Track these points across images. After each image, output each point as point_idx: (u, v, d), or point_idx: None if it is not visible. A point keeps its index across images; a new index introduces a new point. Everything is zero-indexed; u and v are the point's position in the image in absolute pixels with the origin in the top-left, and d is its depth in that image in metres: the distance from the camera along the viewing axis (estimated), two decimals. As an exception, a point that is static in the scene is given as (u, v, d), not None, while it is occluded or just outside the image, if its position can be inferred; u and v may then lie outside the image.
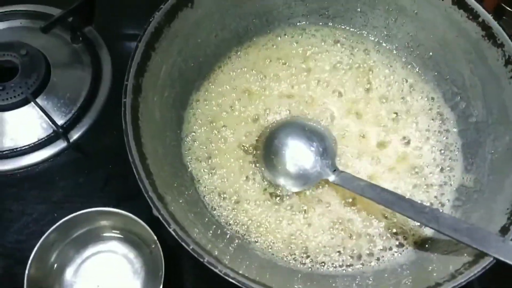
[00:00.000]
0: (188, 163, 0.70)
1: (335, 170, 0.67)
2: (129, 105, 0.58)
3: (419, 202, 0.62)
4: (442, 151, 0.73)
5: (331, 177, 0.67)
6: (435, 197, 0.70)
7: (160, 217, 0.53)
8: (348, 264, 0.65)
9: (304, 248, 0.65)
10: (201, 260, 0.51)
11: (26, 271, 0.64)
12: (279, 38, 0.81)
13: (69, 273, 0.69)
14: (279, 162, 0.69)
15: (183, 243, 0.51)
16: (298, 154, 0.69)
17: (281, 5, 0.79)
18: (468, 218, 0.65)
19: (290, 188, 0.69)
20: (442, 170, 0.72)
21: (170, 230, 0.52)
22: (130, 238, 0.71)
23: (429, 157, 0.72)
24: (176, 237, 0.52)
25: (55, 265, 0.69)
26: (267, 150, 0.70)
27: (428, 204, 0.69)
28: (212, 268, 0.51)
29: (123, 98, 0.58)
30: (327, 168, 0.67)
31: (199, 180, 0.69)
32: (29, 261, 0.65)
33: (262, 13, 0.79)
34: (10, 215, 0.75)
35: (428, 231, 0.67)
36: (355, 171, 0.70)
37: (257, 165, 0.70)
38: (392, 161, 0.72)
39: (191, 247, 0.51)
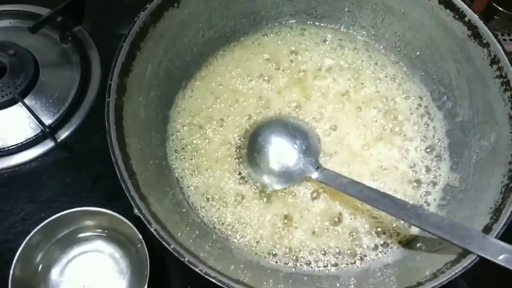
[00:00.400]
0: (173, 162, 0.70)
1: (318, 167, 0.67)
2: (113, 105, 0.58)
3: (401, 200, 0.62)
4: (429, 151, 0.73)
5: (314, 175, 0.67)
6: (421, 196, 0.70)
7: (141, 216, 0.53)
8: (333, 263, 0.65)
9: (287, 248, 0.65)
10: (182, 259, 0.51)
11: (11, 272, 0.64)
12: (265, 38, 0.82)
13: (54, 273, 0.69)
14: (262, 159, 0.69)
15: (164, 243, 0.52)
16: (281, 151, 0.70)
17: (269, 5, 0.80)
18: (453, 217, 0.65)
19: (273, 186, 0.69)
20: (428, 170, 0.72)
21: (151, 229, 0.52)
22: (116, 238, 0.71)
23: (415, 157, 0.72)
24: (157, 236, 0.52)
25: (40, 266, 0.69)
26: (251, 148, 0.70)
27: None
28: (193, 267, 0.51)
29: (106, 97, 0.59)
30: (310, 166, 0.68)
31: (184, 180, 0.69)
32: (14, 262, 0.64)
33: (249, 12, 0.79)
34: (-3, 215, 0.75)
35: (413, 230, 0.67)
36: (340, 171, 0.70)
37: (242, 164, 0.70)
38: (378, 161, 0.72)
39: (172, 247, 0.51)
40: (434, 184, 0.71)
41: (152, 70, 0.67)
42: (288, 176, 0.69)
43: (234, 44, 0.80)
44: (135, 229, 0.66)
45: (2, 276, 0.66)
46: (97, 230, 0.71)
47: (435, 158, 0.73)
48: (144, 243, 0.66)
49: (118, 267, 0.70)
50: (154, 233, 0.52)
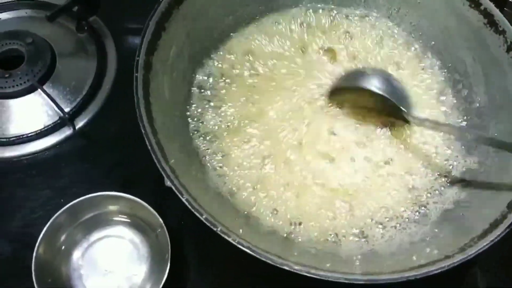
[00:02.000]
0: (196, 142, 0.70)
1: None
2: (141, 80, 0.59)
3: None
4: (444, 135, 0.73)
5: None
6: (439, 175, 0.70)
7: (173, 187, 0.53)
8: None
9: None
10: (214, 229, 0.51)
11: (34, 252, 0.64)
12: (281, 20, 0.82)
13: (76, 256, 0.69)
14: None
15: (196, 213, 0.51)
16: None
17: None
18: (476, 197, 0.65)
19: None
20: (445, 153, 0.72)
21: (183, 199, 0.52)
22: (136, 223, 0.71)
23: (432, 141, 0.73)
24: (190, 206, 0.52)
25: (63, 248, 0.68)
26: None
27: (432, 187, 0.70)
28: (226, 237, 0.51)
29: (134, 72, 0.59)
30: None
31: (207, 160, 0.69)
32: (37, 242, 0.64)
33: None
34: (16, 201, 0.75)
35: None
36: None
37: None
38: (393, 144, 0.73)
39: (204, 217, 0.51)
40: (451, 166, 0.71)
41: (175, 51, 0.68)
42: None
43: (252, 28, 0.81)
44: (156, 213, 0.66)
45: (24, 258, 0.66)
46: (118, 215, 0.71)
47: (452, 144, 0.73)
48: (165, 228, 0.65)
49: (138, 252, 0.70)
50: (186, 203, 0.52)
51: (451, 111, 0.76)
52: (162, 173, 0.53)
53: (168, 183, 0.53)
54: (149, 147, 0.55)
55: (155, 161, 0.54)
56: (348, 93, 0.73)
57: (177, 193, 0.52)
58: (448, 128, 0.71)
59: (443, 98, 0.77)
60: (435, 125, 0.69)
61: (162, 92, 0.64)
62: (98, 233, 0.71)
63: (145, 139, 0.55)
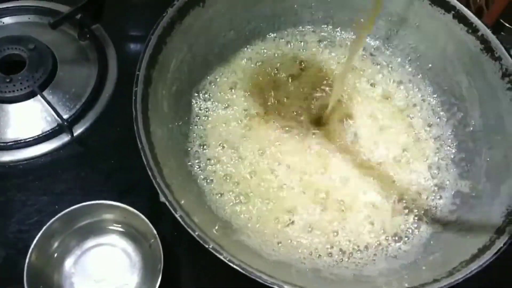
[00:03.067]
0: (192, 157, 0.71)
1: None
2: (140, 95, 0.59)
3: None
4: (438, 158, 0.74)
5: None
6: (431, 199, 0.71)
7: (167, 202, 0.53)
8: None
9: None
10: (206, 246, 0.52)
11: (27, 260, 0.64)
12: (282, 41, 0.84)
13: (68, 263, 0.70)
14: None
15: (188, 229, 0.52)
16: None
17: (288, 12, 0.82)
18: (465, 221, 0.66)
19: None
20: (436, 175, 0.73)
21: (177, 216, 0.53)
22: (130, 232, 0.71)
23: (424, 163, 0.74)
24: (182, 223, 0.52)
25: (55, 255, 0.69)
26: None
27: (425, 207, 0.71)
28: (217, 254, 0.52)
29: (134, 87, 0.60)
30: None
31: (203, 174, 0.70)
32: (30, 249, 0.65)
33: (270, 17, 0.81)
34: (12, 206, 0.75)
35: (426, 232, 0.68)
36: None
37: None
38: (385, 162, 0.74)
39: (196, 233, 0.52)
40: (442, 189, 0.72)
41: (175, 65, 0.69)
42: None
43: (252, 46, 0.82)
44: (150, 224, 0.67)
45: (17, 264, 0.67)
46: (112, 224, 0.71)
47: (445, 165, 0.74)
48: (158, 238, 0.66)
49: (130, 262, 0.70)
50: (179, 219, 0.52)
51: (443, 133, 0.76)
52: (157, 188, 0.54)
53: (162, 199, 0.53)
54: (145, 163, 0.55)
55: (151, 176, 0.54)
56: None
57: (171, 209, 0.53)
58: None
59: (437, 119, 0.77)
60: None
61: (161, 105, 0.65)
62: (91, 241, 0.71)
63: (142, 154, 0.55)
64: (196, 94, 0.76)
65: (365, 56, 0.83)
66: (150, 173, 0.55)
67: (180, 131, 0.70)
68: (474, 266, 0.56)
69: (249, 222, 0.67)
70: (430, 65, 0.80)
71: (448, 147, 0.75)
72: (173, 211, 0.53)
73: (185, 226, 0.52)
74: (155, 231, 0.66)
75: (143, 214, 0.67)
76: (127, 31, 0.95)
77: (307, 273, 0.63)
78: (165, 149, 0.61)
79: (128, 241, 0.71)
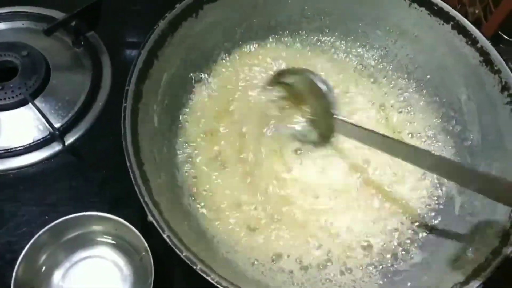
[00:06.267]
0: (184, 172, 0.70)
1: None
2: (129, 110, 0.58)
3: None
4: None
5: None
6: (427, 215, 0.70)
7: (154, 222, 0.53)
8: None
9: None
10: (194, 267, 0.51)
11: (14, 272, 0.63)
12: (280, 48, 0.82)
13: (57, 276, 0.68)
14: None
15: (176, 250, 0.51)
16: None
17: (285, 21, 0.81)
18: (461, 240, 0.65)
19: None
20: (434, 193, 0.72)
21: (164, 236, 0.52)
22: (121, 245, 0.70)
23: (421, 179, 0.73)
24: (170, 243, 0.52)
25: (44, 268, 0.68)
26: None
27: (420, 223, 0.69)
28: (205, 276, 0.51)
29: (123, 102, 0.59)
30: None
31: (194, 190, 0.69)
32: (18, 262, 0.64)
33: (266, 27, 0.80)
34: (2, 216, 0.74)
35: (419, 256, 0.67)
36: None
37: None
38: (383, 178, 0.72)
39: (184, 254, 0.51)
40: (440, 204, 0.70)
41: (167, 79, 0.68)
42: None
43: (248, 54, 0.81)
44: (141, 236, 0.66)
45: (4, 277, 0.66)
46: (102, 236, 0.70)
47: (442, 182, 0.72)
48: (149, 251, 0.65)
49: (121, 275, 0.69)
50: (167, 239, 0.52)
51: (443, 147, 0.75)
52: (145, 208, 0.53)
53: (150, 218, 0.52)
54: (133, 181, 0.54)
55: (138, 195, 0.53)
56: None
57: (159, 229, 0.52)
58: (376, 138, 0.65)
59: (435, 132, 0.76)
60: (361, 131, 0.67)
61: (151, 120, 0.64)
62: (81, 253, 0.70)
63: (130, 172, 0.54)
64: (190, 106, 0.75)
65: (361, 66, 0.81)
66: (137, 191, 0.54)
67: (170, 147, 0.69)
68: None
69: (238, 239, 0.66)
70: (428, 77, 0.79)
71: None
72: (161, 231, 0.52)
73: (173, 247, 0.51)
74: (146, 244, 0.65)
75: (134, 226, 0.66)
76: (122, 39, 0.94)
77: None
78: (154, 165, 0.60)
79: (118, 254, 0.70)
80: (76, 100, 0.84)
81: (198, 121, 0.74)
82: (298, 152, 0.73)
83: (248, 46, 0.81)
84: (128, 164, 0.55)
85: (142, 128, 0.60)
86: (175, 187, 0.66)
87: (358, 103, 0.78)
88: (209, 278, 0.51)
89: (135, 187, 0.54)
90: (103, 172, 0.79)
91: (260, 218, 0.67)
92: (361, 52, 0.83)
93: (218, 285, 0.51)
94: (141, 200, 0.53)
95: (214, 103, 0.76)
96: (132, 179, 0.54)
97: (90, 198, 0.77)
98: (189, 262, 0.51)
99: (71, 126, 0.81)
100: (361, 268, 0.65)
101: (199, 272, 0.51)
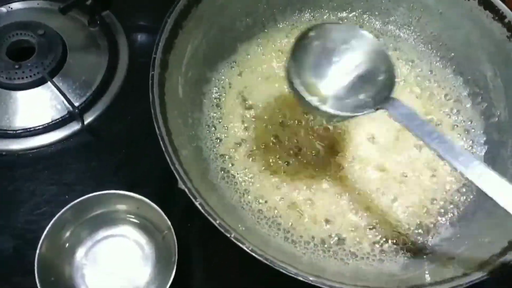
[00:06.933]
0: (206, 145, 0.69)
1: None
2: (157, 79, 0.57)
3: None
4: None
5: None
6: (457, 191, 0.69)
7: (186, 190, 0.51)
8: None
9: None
10: (228, 235, 0.50)
11: (38, 250, 0.62)
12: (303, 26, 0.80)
13: (79, 255, 0.67)
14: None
15: (209, 217, 0.50)
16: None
17: (307, -1, 0.79)
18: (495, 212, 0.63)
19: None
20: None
21: (197, 203, 0.50)
22: (143, 223, 0.69)
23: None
24: (203, 211, 0.50)
25: (66, 245, 0.67)
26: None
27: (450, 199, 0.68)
28: (239, 244, 0.49)
29: (151, 71, 0.58)
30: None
31: (218, 163, 0.68)
32: (41, 239, 0.63)
33: (287, 3, 0.79)
34: (21, 196, 0.73)
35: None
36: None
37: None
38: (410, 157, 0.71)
39: (217, 222, 0.50)
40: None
41: (191, 51, 0.67)
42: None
43: (272, 31, 0.79)
44: (164, 215, 0.64)
45: (25, 255, 0.67)
46: (125, 215, 0.69)
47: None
48: (172, 229, 0.64)
49: (142, 254, 0.68)
50: (199, 207, 0.50)
51: (470, 121, 0.74)
52: (176, 175, 0.52)
53: (181, 186, 0.51)
54: (163, 148, 0.53)
55: (169, 162, 0.52)
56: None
57: (190, 197, 0.50)
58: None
59: (461, 109, 0.74)
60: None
61: (176, 92, 0.63)
62: (103, 232, 0.69)
63: (159, 139, 0.53)
64: (212, 81, 0.73)
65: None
66: (168, 158, 0.53)
67: (194, 119, 0.68)
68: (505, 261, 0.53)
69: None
70: (452, 54, 0.77)
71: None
72: (192, 199, 0.51)
73: (206, 215, 0.50)
74: (169, 222, 0.64)
75: (156, 205, 0.65)
76: (138, 19, 0.92)
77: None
78: (181, 136, 0.59)
79: (140, 233, 0.69)
80: (93, 80, 0.82)
81: (222, 97, 0.72)
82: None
83: (269, 23, 0.79)
84: (158, 132, 0.54)
85: (169, 98, 0.58)
86: (201, 161, 0.64)
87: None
88: (243, 246, 0.49)
89: (165, 154, 0.52)
90: (122, 151, 0.78)
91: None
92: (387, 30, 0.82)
93: (252, 253, 0.49)
94: (172, 168, 0.52)
95: (238, 79, 0.75)
96: (162, 146, 0.53)
97: (109, 178, 0.76)
98: (222, 230, 0.50)
99: (89, 106, 0.80)
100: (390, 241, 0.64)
101: (233, 240, 0.50)
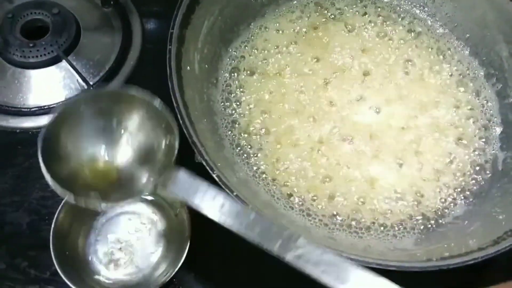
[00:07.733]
0: (221, 121, 0.69)
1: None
2: (174, 53, 0.57)
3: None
4: (480, 128, 0.71)
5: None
6: (472, 167, 0.69)
7: (203, 162, 0.51)
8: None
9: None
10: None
11: (53, 225, 0.63)
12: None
13: (92, 231, 0.68)
14: None
15: (226, 189, 0.50)
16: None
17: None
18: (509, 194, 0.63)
19: None
20: (479, 145, 0.70)
21: (214, 175, 0.51)
22: (156, 201, 0.69)
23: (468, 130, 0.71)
24: (220, 182, 0.50)
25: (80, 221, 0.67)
26: None
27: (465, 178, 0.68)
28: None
29: (168, 45, 0.58)
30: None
31: (233, 143, 0.68)
32: (56, 215, 0.63)
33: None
34: (36, 172, 0.73)
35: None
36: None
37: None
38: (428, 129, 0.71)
39: (235, 194, 0.49)
40: (486, 162, 0.69)
41: (207, 27, 0.67)
42: None
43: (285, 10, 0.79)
44: (178, 192, 0.64)
45: (40, 230, 0.68)
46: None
47: (485, 137, 0.71)
48: (185, 206, 0.64)
49: (155, 231, 0.68)
50: (217, 179, 0.50)
51: (485, 101, 0.73)
52: (193, 147, 0.52)
53: (198, 158, 0.51)
54: (180, 120, 0.53)
55: (186, 135, 0.52)
56: None
57: (208, 169, 0.51)
58: None
59: (477, 89, 0.75)
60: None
61: (192, 68, 0.63)
62: (116, 208, 0.69)
63: (176, 112, 0.53)
64: (226, 59, 0.73)
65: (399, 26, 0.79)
66: (185, 132, 0.53)
67: (209, 95, 0.68)
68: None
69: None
70: (467, 35, 0.77)
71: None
72: (210, 171, 0.51)
73: (223, 187, 0.50)
74: (183, 199, 0.64)
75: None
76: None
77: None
78: (197, 110, 0.59)
79: (154, 210, 0.69)
80: (106, 60, 0.82)
81: (237, 73, 0.73)
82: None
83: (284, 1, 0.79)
84: (175, 105, 0.54)
85: (185, 73, 0.59)
86: (216, 136, 0.65)
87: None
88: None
89: (182, 126, 0.52)
90: (134, 131, 0.78)
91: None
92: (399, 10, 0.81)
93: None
94: (189, 140, 0.52)
95: (250, 59, 0.75)
96: (180, 119, 0.53)
97: (122, 157, 0.76)
98: (239, 202, 0.50)
99: (103, 85, 0.80)
100: (402, 218, 0.64)
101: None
